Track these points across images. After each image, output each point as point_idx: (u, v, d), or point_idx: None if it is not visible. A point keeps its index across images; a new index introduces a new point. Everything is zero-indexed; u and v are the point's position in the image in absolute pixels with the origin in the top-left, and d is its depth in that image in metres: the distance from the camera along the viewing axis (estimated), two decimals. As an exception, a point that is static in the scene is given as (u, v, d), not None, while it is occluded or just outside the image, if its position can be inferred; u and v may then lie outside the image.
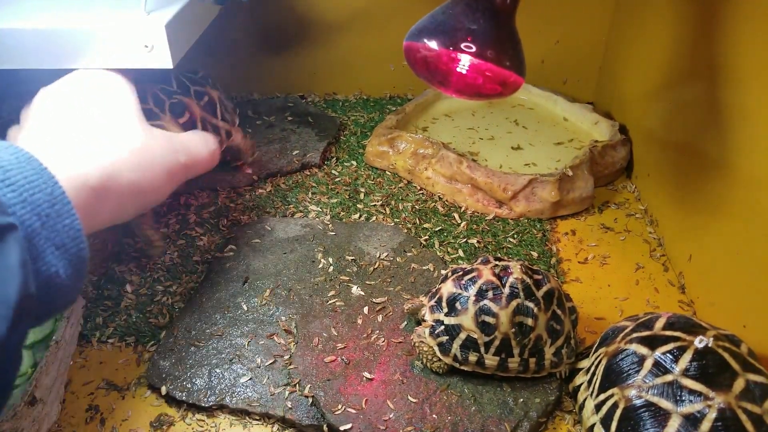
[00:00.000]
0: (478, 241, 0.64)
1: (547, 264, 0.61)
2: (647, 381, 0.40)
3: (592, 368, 0.46)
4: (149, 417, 0.47)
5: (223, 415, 0.47)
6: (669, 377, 0.40)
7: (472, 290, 0.46)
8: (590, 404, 0.44)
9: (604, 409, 0.42)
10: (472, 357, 0.46)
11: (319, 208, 0.68)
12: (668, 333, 0.42)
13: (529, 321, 0.46)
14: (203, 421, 0.47)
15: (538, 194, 0.66)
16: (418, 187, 0.72)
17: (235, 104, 0.66)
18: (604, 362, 0.44)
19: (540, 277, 0.48)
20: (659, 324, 0.44)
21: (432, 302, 0.49)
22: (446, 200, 0.70)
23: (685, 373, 0.39)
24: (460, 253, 0.62)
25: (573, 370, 0.49)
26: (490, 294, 0.46)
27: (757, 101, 0.48)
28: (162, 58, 0.45)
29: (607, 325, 0.55)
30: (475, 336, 0.46)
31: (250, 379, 0.48)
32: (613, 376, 0.42)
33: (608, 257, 0.63)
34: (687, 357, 0.40)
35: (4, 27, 0.47)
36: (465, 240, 0.64)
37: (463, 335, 0.46)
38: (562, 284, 0.59)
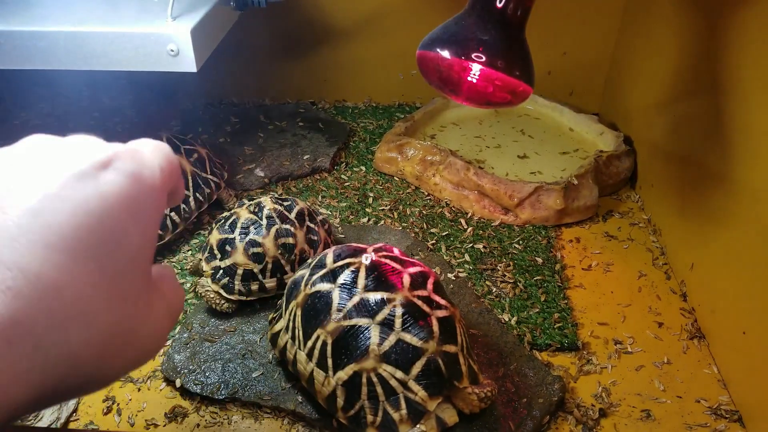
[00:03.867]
0: (483, 247, 0.65)
1: (552, 270, 0.62)
2: (340, 309, 0.43)
3: (290, 324, 0.46)
4: (164, 408, 0.48)
5: (235, 408, 0.48)
6: (356, 298, 0.43)
7: (237, 231, 0.53)
8: (302, 356, 0.45)
9: (316, 353, 0.43)
10: (254, 286, 0.53)
11: (328, 211, 0.70)
12: (340, 263, 0.45)
13: (290, 240, 0.54)
14: (216, 413, 0.48)
15: (543, 202, 0.68)
16: (426, 193, 0.74)
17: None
18: (298, 313, 0.45)
19: (289, 202, 0.56)
20: (329, 259, 0.46)
21: (205, 254, 0.55)
22: (453, 206, 0.72)
23: (366, 288, 0.43)
24: (467, 257, 0.64)
25: (273, 335, 0.49)
26: (252, 229, 0.53)
27: (758, 116, 0.50)
28: (186, 63, 0.47)
29: (610, 330, 0.56)
30: (251, 267, 0.53)
31: (262, 374, 0.49)
32: (312, 321, 0.44)
33: (612, 265, 0.64)
34: (362, 275, 0.44)
35: (34, 29, 0.49)
36: (471, 245, 0.65)
37: (240, 271, 0.53)
38: (566, 290, 0.60)
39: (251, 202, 0.56)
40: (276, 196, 0.58)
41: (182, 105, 0.92)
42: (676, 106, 0.67)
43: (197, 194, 0.64)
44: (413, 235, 0.66)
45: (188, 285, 0.59)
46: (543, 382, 0.49)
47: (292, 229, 0.55)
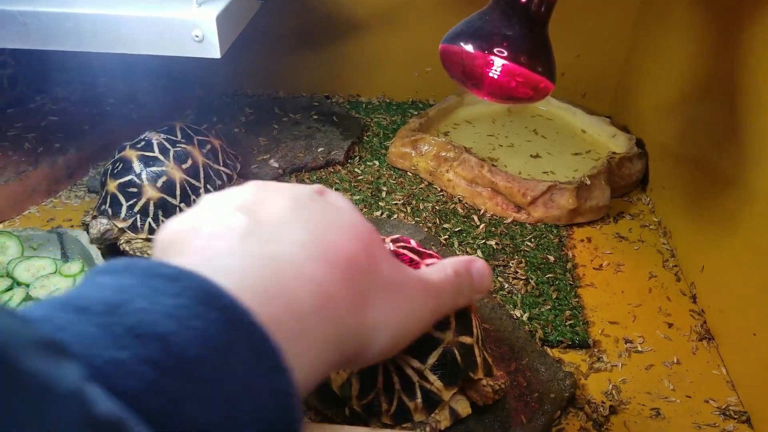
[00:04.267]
0: (496, 243, 0.65)
1: (563, 268, 0.63)
2: None
3: None
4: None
5: (248, 394, 0.49)
6: None
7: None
8: None
9: None
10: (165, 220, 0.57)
11: (342, 204, 0.70)
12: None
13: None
14: (229, 398, 0.48)
15: (556, 201, 0.68)
16: (439, 189, 0.74)
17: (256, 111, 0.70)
18: None
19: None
20: None
21: (114, 210, 0.59)
22: (466, 202, 0.72)
23: None
24: (479, 253, 0.64)
25: None
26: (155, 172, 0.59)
27: (775, 119, 0.50)
28: (211, 49, 0.47)
29: (620, 329, 0.57)
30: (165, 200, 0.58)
31: (276, 360, 0.50)
32: None
33: (622, 265, 0.65)
34: None
35: (60, 10, 0.49)
36: (483, 241, 0.66)
37: (150, 205, 0.58)
38: (577, 288, 0.61)
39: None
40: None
41: (197, 94, 0.92)
42: (688, 109, 0.67)
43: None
44: (426, 229, 0.67)
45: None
46: (554, 377, 0.49)
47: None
